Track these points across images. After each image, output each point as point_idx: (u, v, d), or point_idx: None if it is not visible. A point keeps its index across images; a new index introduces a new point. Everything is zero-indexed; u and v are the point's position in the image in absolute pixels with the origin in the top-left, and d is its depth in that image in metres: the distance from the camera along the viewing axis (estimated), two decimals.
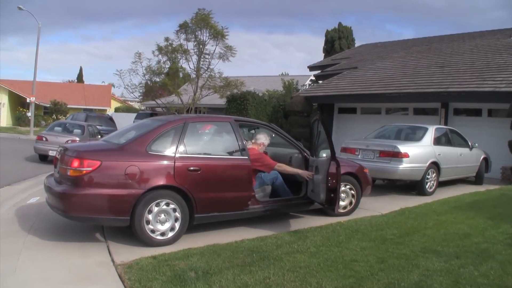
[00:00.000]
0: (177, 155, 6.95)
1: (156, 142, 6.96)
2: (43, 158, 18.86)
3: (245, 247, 6.63)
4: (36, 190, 11.31)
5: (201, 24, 27.55)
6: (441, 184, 12.64)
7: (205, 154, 7.41)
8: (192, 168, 6.98)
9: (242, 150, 7.68)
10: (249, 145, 8.38)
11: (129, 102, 69.44)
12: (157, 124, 7.46)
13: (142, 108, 50.33)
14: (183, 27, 28.06)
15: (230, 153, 7.68)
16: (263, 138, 8.68)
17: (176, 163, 6.87)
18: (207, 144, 7.73)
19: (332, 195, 7.75)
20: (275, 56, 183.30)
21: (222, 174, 7.40)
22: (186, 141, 7.16)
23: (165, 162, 6.83)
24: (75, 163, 6.44)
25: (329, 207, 8.06)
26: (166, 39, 28.29)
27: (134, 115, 36.85)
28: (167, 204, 6.75)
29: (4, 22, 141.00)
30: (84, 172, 6.39)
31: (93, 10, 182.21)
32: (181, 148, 7.06)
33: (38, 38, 38.08)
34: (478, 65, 18.80)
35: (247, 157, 7.66)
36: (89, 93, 64.19)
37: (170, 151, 6.96)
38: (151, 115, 32.21)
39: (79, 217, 6.60)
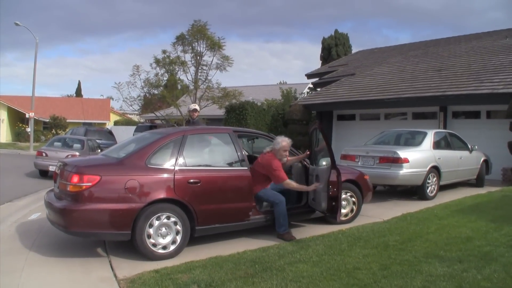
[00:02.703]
0: (177, 168, 6.96)
1: (156, 156, 6.96)
2: (44, 173, 18.88)
3: (247, 258, 6.61)
4: (37, 206, 11.31)
5: (197, 36, 27.59)
6: (442, 188, 12.63)
7: (204, 166, 7.44)
8: (192, 180, 6.97)
9: (242, 161, 7.69)
10: (267, 149, 8.17)
11: (128, 115, 69.52)
12: (156, 137, 7.46)
13: (141, 121, 50.36)
14: (180, 39, 28.10)
15: (230, 164, 7.70)
16: (283, 143, 8.06)
17: (176, 176, 6.87)
18: (206, 156, 7.72)
19: (333, 203, 7.74)
20: (273, 65, 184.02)
21: (222, 186, 7.39)
22: (185, 154, 7.17)
23: (165, 175, 6.83)
24: (75, 179, 6.44)
25: (331, 215, 8.05)
26: (164, 52, 28.35)
27: (134, 128, 36.92)
28: (168, 218, 6.73)
29: (1, 38, 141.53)
30: (84, 187, 6.38)
31: (90, 24, 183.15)
32: (181, 161, 7.06)
33: (35, 54, 38.51)
34: (475, 67, 18.84)
35: (246, 168, 7.66)
36: (88, 107, 64.39)
37: (169, 164, 6.96)
38: (151, 127, 32.24)
39: (80, 233, 6.59)
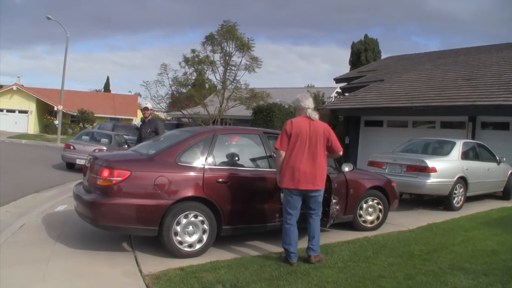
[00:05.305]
0: (206, 167, 6.96)
1: (186, 153, 6.98)
2: (70, 166, 19.06)
3: (272, 261, 6.63)
4: (63, 198, 11.43)
5: (227, 36, 27.68)
6: (468, 199, 12.52)
7: (234, 166, 7.40)
8: (221, 179, 6.97)
9: (271, 162, 7.65)
10: (314, 116, 6.79)
11: (155, 112, 69.92)
12: (186, 135, 7.48)
13: (168, 118, 50.58)
14: (209, 39, 28.23)
15: (259, 165, 7.70)
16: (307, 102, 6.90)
17: (205, 175, 6.87)
18: (236, 156, 7.68)
19: (326, 208, 7.52)
20: (300, 68, 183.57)
21: (250, 186, 7.37)
22: (215, 153, 7.19)
23: (194, 174, 6.83)
24: (105, 173, 6.48)
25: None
26: (193, 51, 28.48)
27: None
28: (196, 216, 6.74)
29: (32, 31, 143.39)
30: (114, 181, 6.42)
31: (119, 21, 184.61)
32: (210, 160, 7.07)
33: (66, 48, 38.55)
34: (505, 78, 18.56)
35: (275, 169, 7.60)
36: (116, 103, 64.93)
37: (199, 162, 6.97)
38: (177, 125, 32.41)
39: (108, 226, 6.63)
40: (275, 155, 7.38)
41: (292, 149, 6.57)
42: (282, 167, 6.67)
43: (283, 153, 6.62)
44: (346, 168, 8.15)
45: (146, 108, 11.26)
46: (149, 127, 10.83)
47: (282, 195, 7.13)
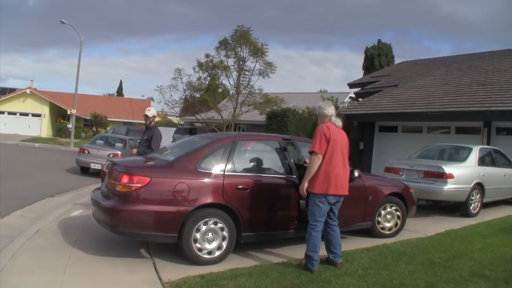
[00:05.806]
0: (226, 173, 6.93)
1: (205, 160, 6.95)
2: (85, 170, 19.15)
3: (292, 268, 6.58)
4: (78, 202, 11.47)
5: (240, 41, 27.64)
6: (484, 205, 12.43)
7: (253, 172, 7.37)
8: (241, 186, 6.94)
9: (290, 169, 7.61)
10: (332, 120, 6.80)
11: (168, 117, 70.12)
12: (206, 141, 7.45)
13: (181, 123, 50.69)
14: (223, 44, 28.21)
15: (279, 172, 7.65)
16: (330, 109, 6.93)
17: (225, 181, 6.84)
18: (256, 163, 7.67)
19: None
20: (313, 72, 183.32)
21: (270, 193, 7.33)
22: (235, 159, 7.16)
23: (214, 180, 6.80)
24: (125, 179, 6.47)
25: None
26: (207, 56, 28.49)
27: (173, 129, 37.09)
28: (215, 223, 6.71)
29: (44, 35, 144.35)
30: (134, 188, 6.41)
31: (132, 25, 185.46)
32: (230, 166, 7.04)
33: (80, 52, 38.79)
34: None
35: (295, 176, 7.56)
36: (129, 107, 65.04)
37: (219, 169, 6.94)
38: (190, 130, 32.39)
39: (127, 233, 6.61)
40: (292, 161, 7.62)
41: (331, 154, 6.53)
42: (317, 172, 6.57)
43: (321, 157, 6.52)
44: (356, 174, 8.11)
45: (146, 116, 10.54)
46: (146, 135, 10.45)
47: (301, 201, 7.10)
